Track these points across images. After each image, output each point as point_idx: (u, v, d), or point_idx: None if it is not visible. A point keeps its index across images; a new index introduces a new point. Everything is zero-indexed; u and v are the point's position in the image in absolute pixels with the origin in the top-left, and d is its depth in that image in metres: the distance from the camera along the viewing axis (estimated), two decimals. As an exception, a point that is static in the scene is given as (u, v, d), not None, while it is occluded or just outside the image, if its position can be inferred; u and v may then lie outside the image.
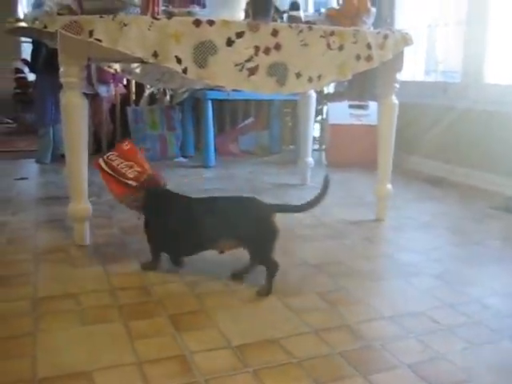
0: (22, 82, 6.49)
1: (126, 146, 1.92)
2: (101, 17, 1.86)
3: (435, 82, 3.97)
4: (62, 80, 2.01)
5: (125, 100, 4.28)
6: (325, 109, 4.52)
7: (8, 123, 6.49)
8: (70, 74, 1.99)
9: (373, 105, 4.07)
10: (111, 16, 1.86)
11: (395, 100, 2.53)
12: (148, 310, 1.67)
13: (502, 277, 1.99)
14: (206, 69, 1.94)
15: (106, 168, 1.89)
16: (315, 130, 4.60)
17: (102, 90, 4.06)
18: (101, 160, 1.89)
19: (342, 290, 1.82)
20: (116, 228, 2.43)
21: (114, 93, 4.15)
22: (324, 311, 1.66)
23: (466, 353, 1.45)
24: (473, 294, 1.81)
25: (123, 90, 4.23)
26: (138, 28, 1.86)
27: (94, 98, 4.11)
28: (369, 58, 2.20)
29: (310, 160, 3.39)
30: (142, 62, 1.98)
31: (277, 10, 2.44)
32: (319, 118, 4.65)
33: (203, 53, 1.93)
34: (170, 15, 1.95)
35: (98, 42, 1.85)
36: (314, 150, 4.46)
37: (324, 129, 4.51)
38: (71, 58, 1.97)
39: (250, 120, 4.68)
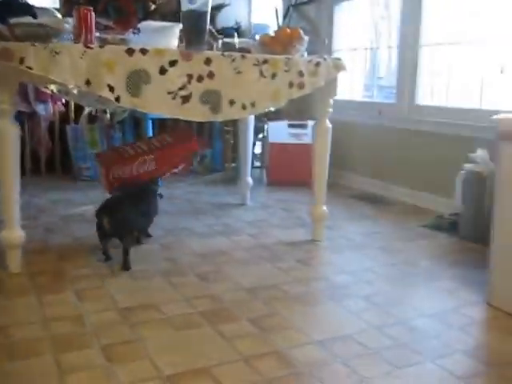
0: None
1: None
2: (32, 44, 1.85)
3: (372, 102, 4.09)
4: (-9, 107, 1.99)
5: (64, 118, 4.22)
6: (265, 127, 4.58)
7: None
8: (1, 100, 1.97)
9: (312, 124, 4.17)
10: (43, 45, 1.85)
11: (329, 124, 2.61)
12: (80, 341, 1.65)
13: (429, 297, 2.07)
14: (140, 97, 1.96)
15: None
16: (257, 148, 4.69)
17: (40, 109, 3.99)
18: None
19: (275, 315, 1.85)
20: (52, 253, 2.40)
21: (52, 111, 4.09)
22: (256, 337, 1.69)
23: (390, 376, 1.50)
24: (400, 315, 1.88)
25: (62, 108, 4.17)
26: (70, 56, 1.86)
27: (31, 117, 4.04)
28: (301, 85, 2.26)
29: (250, 180, 3.43)
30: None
31: (213, 35, 2.48)
32: (261, 135, 4.70)
33: (136, 81, 1.95)
34: (103, 43, 1.95)
35: (29, 70, 1.84)
36: (256, 167, 4.54)
37: (265, 147, 4.56)
38: (1, 85, 1.95)
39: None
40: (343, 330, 1.75)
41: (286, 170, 4.06)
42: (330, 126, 2.62)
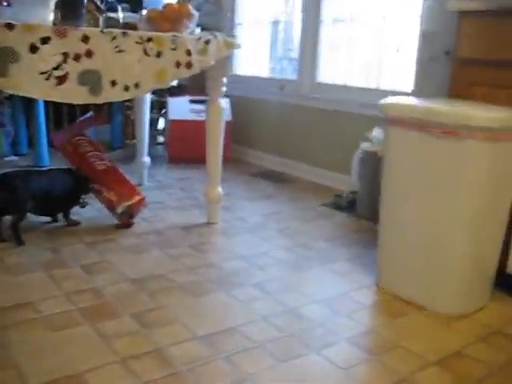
0: None
1: None
2: None
3: (274, 78, 4.04)
4: None
5: None
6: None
7: None
8: None
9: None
10: None
11: (223, 104, 2.53)
12: None
13: (321, 282, 2.06)
14: (9, 78, 1.79)
15: None
16: (160, 123, 4.54)
17: None
18: None
19: (160, 308, 1.77)
20: None
21: None
22: (137, 335, 1.60)
23: (274, 371, 1.47)
24: (289, 303, 1.86)
25: None
26: None
27: None
28: (189, 65, 2.16)
29: (147, 159, 3.31)
30: None
31: (98, 8, 2.31)
32: (164, 111, 4.56)
33: (3, 60, 1.77)
34: (-39, 17, 1.76)
35: None
36: (159, 143, 4.40)
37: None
38: None
39: (89, 114, 4.45)
40: (229, 323, 1.70)
41: (187, 148, 3.95)
42: (224, 106, 2.54)
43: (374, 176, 2.79)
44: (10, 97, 3.96)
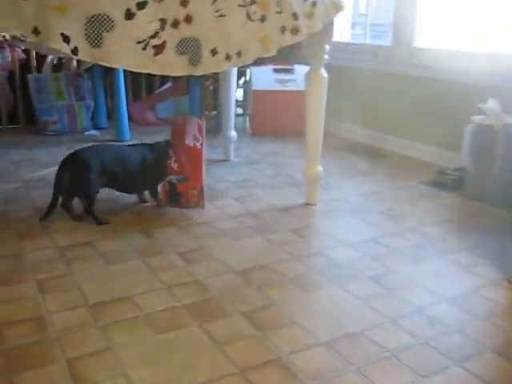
0: None
1: None
2: (-37, -15, 1.47)
3: (365, 44, 3.73)
4: None
5: (25, 67, 3.80)
6: (248, 72, 4.21)
7: None
8: None
9: (299, 68, 3.82)
10: (-24, -17, 1.48)
11: (324, 73, 2.28)
12: (16, 276, 1.69)
13: (443, 275, 1.81)
14: (102, 48, 1.61)
15: None
16: (238, 94, 4.33)
17: (-3, 57, 3.58)
18: None
19: (271, 306, 1.58)
20: (13, 230, 2.08)
21: (10, 59, 3.67)
22: (252, 340, 1.42)
23: (414, 388, 1.25)
24: (414, 301, 1.63)
25: (22, 56, 3.75)
26: (12, -1, 1.50)
27: (-13, 66, 3.63)
28: (295, 30, 1.92)
29: (233, 134, 3.10)
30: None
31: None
32: (242, 80, 4.35)
33: (97, 28, 1.59)
34: (52, -18, 1.58)
35: (-39, 17, 1.48)
36: (238, 115, 4.20)
37: (248, 93, 4.21)
38: None
39: (168, 85, 4.32)
40: (353, 326, 1.49)
41: (272, 120, 3.74)
42: (326, 75, 2.29)
43: (488, 153, 2.50)
44: (90, 69, 3.84)
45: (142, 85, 4.29)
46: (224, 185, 2.68)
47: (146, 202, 2.36)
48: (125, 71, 3.54)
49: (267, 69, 3.82)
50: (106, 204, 2.33)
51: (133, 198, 2.38)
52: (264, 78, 3.79)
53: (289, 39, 1.92)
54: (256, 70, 3.84)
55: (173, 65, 1.72)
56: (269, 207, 2.39)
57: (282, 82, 3.79)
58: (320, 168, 2.40)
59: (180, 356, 1.33)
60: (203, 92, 4.39)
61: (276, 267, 1.82)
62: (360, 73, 3.62)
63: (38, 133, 3.69)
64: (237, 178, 2.79)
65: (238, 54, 1.84)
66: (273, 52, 1.90)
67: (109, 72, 3.88)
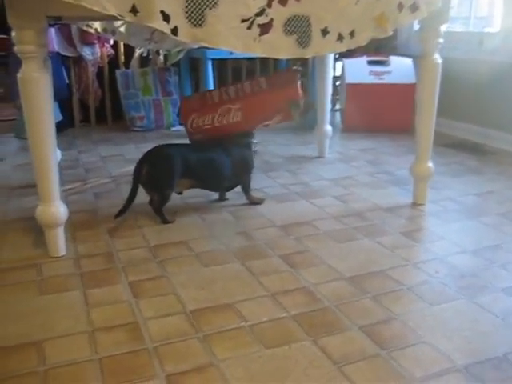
0: (5, 43, 5.94)
1: None
2: (58, -40, 1.36)
3: (468, 32, 3.43)
4: (15, 48, 1.53)
5: (113, 62, 3.76)
6: (338, 65, 3.99)
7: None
8: (23, 40, 1.51)
9: (394, 60, 3.58)
10: (72, -41, 1.36)
11: (439, 59, 2.04)
12: (109, 277, 1.59)
13: None
14: (204, 27, 1.45)
15: None
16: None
17: (87, 53, 3.55)
18: None
19: (393, 320, 1.37)
20: (103, 229, 1.97)
21: (100, 55, 3.63)
22: (375, 361, 1.21)
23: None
24: None
25: (111, 51, 3.71)
26: (109, -26, 1.36)
27: (77, 62, 3.62)
28: (414, 8, 1.70)
29: (329, 129, 2.90)
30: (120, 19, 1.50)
31: None
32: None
33: (199, 6, 1.44)
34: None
35: (56, -4, 1.36)
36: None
37: (337, 87, 3.99)
38: (23, 19, 1.48)
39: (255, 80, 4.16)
40: (497, 351, 1.25)
41: (366, 115, 3.51)
42: (440, 61, 2.05)
43: None
44: (177, 63, 3.75)
45: (229, 79, 4.16)
46: (321, 182, 2.49)
47: (226, 199, 2.20)
48: (212, 64, 3.42)
49: (361, 60, 3.59)
50: (199, 200, 2.19)
51: (228, 195, 2.23)
52: (358, 70, 3.57)
53: (407, 17, 1.70)
54: (349, 62, 3.62)
55: (280, 46, 1.55)
56: (373, 207, 2.18)
57: (377, 74, 3.55)
58: (430, 165, 2.16)
59: (295, 375, 1.15)
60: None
61: (391, 274, 1.61)
62: (462, 63, 3.33)
63: (125, 129, 3.64)
64: (334, 176, 2.59)
65: (352, 33, 1.64)
66: (389, 32, 1.69)
67: (196, 66, 3.78)
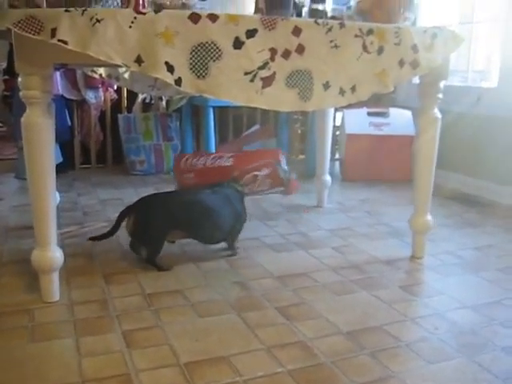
0: (10, 83, 6.01)
1: None
2: (66, 10, 1.39)
3: (466, 86, 3.48)
4: (20, 94, 1.55)
5: (116, 107, 3.80)
6: (338, 115, 4.04)
7: (-1, 127, 6.01)
8: (29, 86, 1.53)
9: (393, 112, 3.62)
10: (80, 10, 1.39)
11: (438, 114, 2.06)
12: (102, 325, 1.56)
13: None
14: (207, 79, 1.47)
15: None
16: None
17: (90, 96, 3.59)
18: None
19: (391, 379, 1.34)
20: (99, 274, 1.95)
21: (103, 99, 3.68)
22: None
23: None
24: None
25: (114, 96, 3.75)
26: (116, 25, 1.40)
27: (80, 105, 3.66)
28: (415, 64, 1.73)
29: (328, 179, 2.91)
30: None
31: (294, 3, 1.96)
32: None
33: (203, 58, 1.46)
34: (158, 7, 1.47)
35: (64, 45, 1.38)
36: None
37: (339, 137, 4.02)
38: (30, 66, 1.50)
39: (256, 128, 4.20)
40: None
41: (365, 166, 3.53)
42: (440, 116, 2.07)
43: None
44: (178, 109, 3.80)
45: (230, 127, 4.21)
46: (319, 233, 2.48)
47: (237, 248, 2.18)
48: (213, 112, 3.45)
49: (361, 112, 3.64)
50: (196, 248, 2.18)
51: (225, 244, 2.22)
52: (357, 121, 3.61)
53: (408, 74, 1.73)
54: (349, 112, 3.66)
55: (282, 99, 1.57)
56: (371, 259, 2.16)
57: (376, 125, 3.59)
58: (429, 218, 2.16)
59: None
60: (291, 135, 4.25)
61: (389, 330, 1.59)
62: (461, 117, 3.36)
63: (125, 172, 3.65)
64: (333, 226, 2.58)
65: (353, 88, 1.66)
66: (390, 88, 1.72)
67: (197, 113, 3.82)
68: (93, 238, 2.01)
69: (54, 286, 1.70)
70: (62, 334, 1.52)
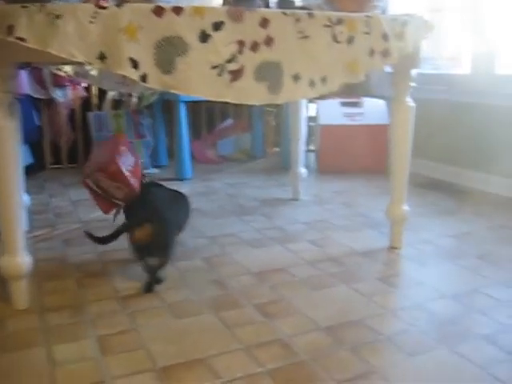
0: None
1: (111, 167, 1.86)
2: (23, 6, 1.33)
3: (439, 73, 3.48)
4: (-22, 95, 1.48)
5: (86, 104, 3.72)
6: (310, 106, 4.01)
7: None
8: (-12, 86, 1.46)
9: (367, 102, 3.61)
10: (38, 5, 1.33)
11: (411, 102, 2.05)
12: (76, 331, 1.51)
13: None
14: (174, 74, 1.43)
15: (95, 188, 1.92)
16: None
17: (58, 95, 3.51)
18: (89, 180, 1.90)
19: (372, 374, 1.32)
20: (72, 278, 1.90)
21: (72, 96, 3.59)
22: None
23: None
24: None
25: (83, 93, 3.67)
26: (76, 21, 1.34)
27: (49, 104, 3.57)
28: (385, 53, 1.71)
29: (303, 171, 2.89)
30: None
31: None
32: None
33: (168, 53, 1.42)
34: (120, 1, 1.42)
35: (22, 42, 1.32)
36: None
37: (311, 128, 4.00)
38: (-12, 65, 1.44)
39: (229, 122, 4.17)
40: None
41: (341, 156, 3.52)
42: (413, 104, 2.05)
43: None
44: (150, 106, 3.73)
45: (203, 122, 4.16)
46: (296, 226, 2.45)
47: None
48: (186, 106, 3.40)
49: (334, 102, 3.62)
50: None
51: (202, 241, 2.18)
52: (331, 112, 3.58)
53: (379, 63, 1.71)
54: (322, 103, 3.63)
55: (251, 93, 1.53)
56: (349, 251, 2.14)
57: (350, 116, 3.57)
58: (406, 207, 2.15)
59: None
60: (266, 128, 4.22)
61: (369, 323, 1.57)
62: (433, 104, 3.36)
63: (97, 172, 3.57)
64: (309, 219, 2.56)
65: (323, 80, 1.63)
66: (361, 78, 1.69)
67: (170, 108, 3.76)
68: (94, 239, 1.84)
69: (23, 293, 1.65)
70: (34, 342, 1.47)
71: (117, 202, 1.95)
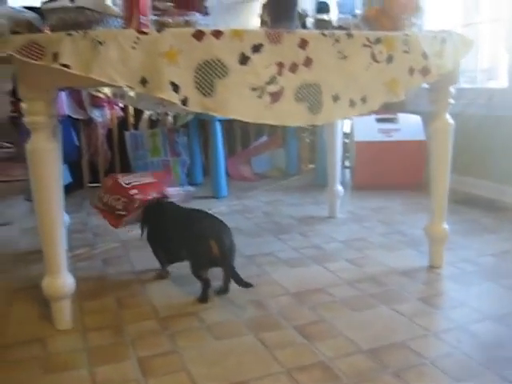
0: (17, 105, 6.02)
1: (108, 182, 2.11)
2: (68, 34, 1.36)
3: (477, 88, 3.43)
4: (24, 120, 1.52)
5: (122, 124, 3.78)
6: (347, 122, 3.99)
7: (7, 147, 6.01)
8: (33, 111, 1.50)
9: (402, 117, 3.58)
10: (82, 32, 1.36)
11: (450, 119, 2.02)
12: (117, 352, 1.51)
13: None
14: (214, 97, 1.44)
15: (101, 206, 2.09)
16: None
17: (96, 115, 3.57)
18: (95, 202, 2.09)
19: (416, 398, 1.29)
20: (111, 298, 1.92)
21: (109, 116, 3.65)
22: None
23: None
24: None
25: (120, 113, 3.73)
26: (119, 46, 1.36)
27: (87, 124, 3.63)
28: (425, 71, 1.69)
29: (340, 188, 2.87)
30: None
31: (299, 14, 1.93)
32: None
33: (208, 76, 1.43)
34: (161, 27, 1.44)
35: (66, 69, 1.35)
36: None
37: (348, 145, 3.98)
38: (33, 91, 1.48)
39: (264, 139, 4.18)
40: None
41: (376, 173, 3.48)
42: (452, 122, 2.02)
43: None
44: (186, 124, 3.77)
45: (237, 139, 4.18)
46: (333, 245, 2.44)
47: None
48: (221, 125, 3.42)
49: (369, 118, 3.59)
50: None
51: (240, 260, 2.17)
52: (366, 128, 3.56)
53: (418, 81, 1.69)
54: (357, 120, 3.62)
55: (291, 114, 1.53)
56: (388, 271, 2.11)
57: (385, 132, 3.54)
58: (446, 226, 2.11)
59: None
60: (300, 145, 4.21)
61: (412, 346, 1.54)
62: (471, 118, 3.31)
63: (134, 190, 3.61)
64: (346, 237, 2.54)
65: (363, 99, 1.62)
66: (401, 96, 1.67)
67: (205, 127, 3.80)
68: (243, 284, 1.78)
69: (66, 314, 1.67)
70: (76, 363, 1.49)
71: (120, 213, 2.04)
